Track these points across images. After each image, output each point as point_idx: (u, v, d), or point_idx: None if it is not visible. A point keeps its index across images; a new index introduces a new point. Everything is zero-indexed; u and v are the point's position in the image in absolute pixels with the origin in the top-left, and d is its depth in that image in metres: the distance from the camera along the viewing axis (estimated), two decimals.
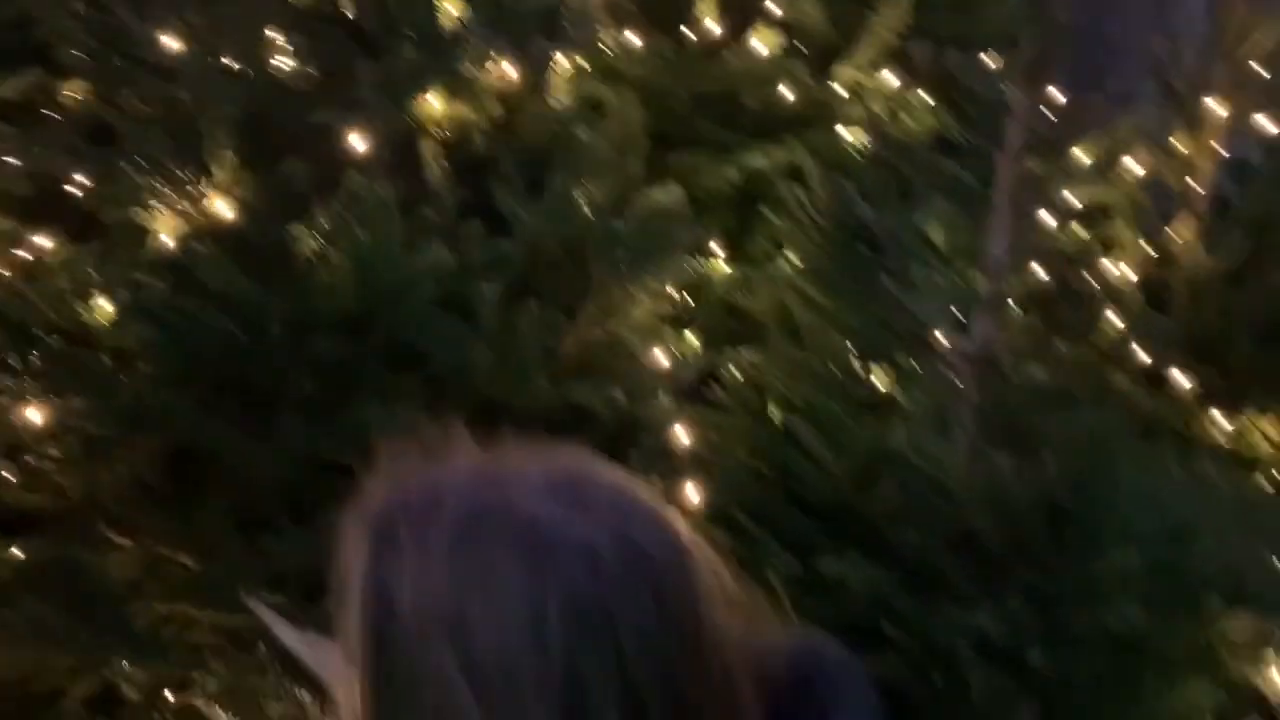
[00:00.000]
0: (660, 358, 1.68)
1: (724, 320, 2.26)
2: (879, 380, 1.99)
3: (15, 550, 1.61)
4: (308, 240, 1.38)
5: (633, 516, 0.64)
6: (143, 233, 1.48)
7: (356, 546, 0.70)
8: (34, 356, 1.47)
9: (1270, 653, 1.72)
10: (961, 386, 1.80)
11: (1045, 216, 2.04)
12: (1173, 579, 1.68)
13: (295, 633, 0.91)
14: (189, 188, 1.42)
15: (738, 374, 2.02)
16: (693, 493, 1.65)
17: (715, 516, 1.79)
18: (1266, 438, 2.61)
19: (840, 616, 1.66)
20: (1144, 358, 2.28)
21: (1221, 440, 2.39)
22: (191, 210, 1.44)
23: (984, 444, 1.69)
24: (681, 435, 1.67)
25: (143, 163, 1.41)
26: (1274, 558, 1.97)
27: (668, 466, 1.54)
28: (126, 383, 1.46)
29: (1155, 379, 2.36)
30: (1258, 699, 1.73)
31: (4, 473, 1.52)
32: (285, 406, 1.48)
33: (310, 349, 1.42)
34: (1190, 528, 1.78)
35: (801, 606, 1.71)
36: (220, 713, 1.46)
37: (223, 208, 1.43)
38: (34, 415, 1.48)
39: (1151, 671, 1.64)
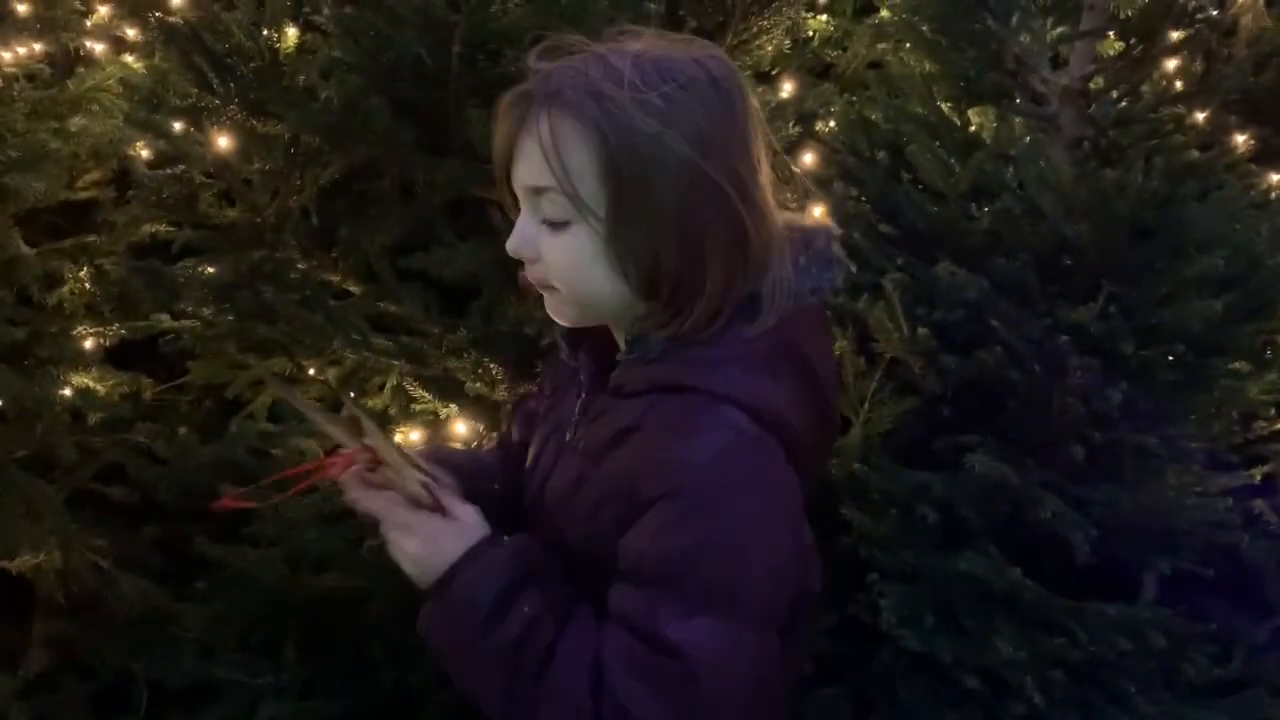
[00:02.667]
0: (787, 88, 1.82)
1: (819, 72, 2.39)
2: (977, 121, 2.13)
3: (210, 268, 1.80)
4: None
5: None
6: None
7: (560, 118, 0.95)
8: (232, 83, 1.61)
9: None
10: (1058, 116, 1.95)
11: None
12: (1246, 286, 1.87)
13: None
14: None
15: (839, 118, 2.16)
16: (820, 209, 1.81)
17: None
18: None
19: (950, 315, 1.86)
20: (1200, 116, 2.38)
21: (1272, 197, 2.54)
22: None
23: (1084, 162, 1.85)
24: (806, 160, 1.83)
25: None
26: None
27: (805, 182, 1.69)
28: (321, 101, 1.61)
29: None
30: None
31: (208, 192, 1.69)
32: (459, 126, 1.64)
33: (486, 70, 1.57)
34: (1260, 247, 1.96)
35: (914, 312, 1.91)
36: (424, 392, 1.67)
37: None
38: (234, 136, 1.64)
39: (1225, 365, 1.85)
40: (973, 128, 2.15)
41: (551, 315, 1.05)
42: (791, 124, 1.82)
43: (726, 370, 0.97)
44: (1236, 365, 1.87)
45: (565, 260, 0.99)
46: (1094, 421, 1.81)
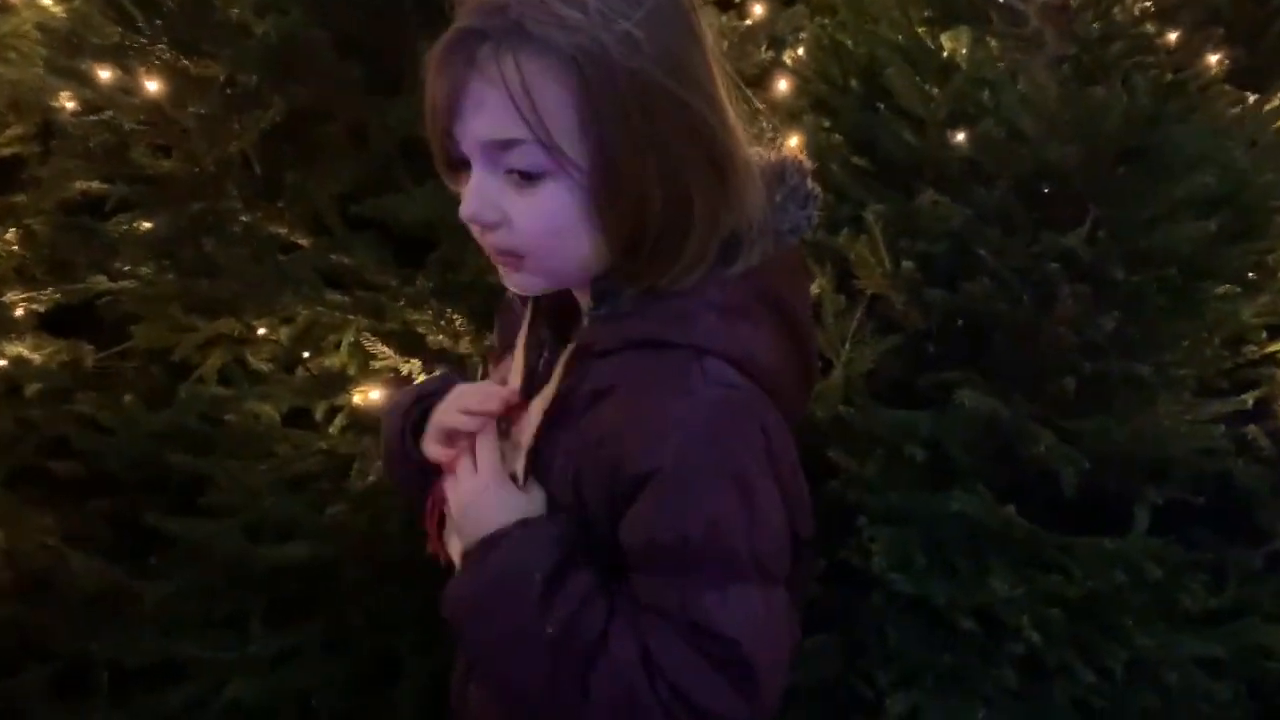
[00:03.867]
0: (757, 10, 1.72)
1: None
2: (950, 46, 2.04)
3: (147, 223, 1.68)
4: None
5: None
6: None
7: (529, 57, 0.83)
8: (159, 20, 1.48)
9: None
10: (1041, 34, 1.87)
11: None
12: (1235, 205, 1.81)
13: None
14: None
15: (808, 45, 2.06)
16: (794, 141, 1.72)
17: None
18: None
19: (934, 247, 1.79)
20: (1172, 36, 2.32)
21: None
22: None
23: (1067, 82, 1.77)
24: (780, 86, 1.73)
25: None
26: None
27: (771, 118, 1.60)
28: (257, 37, 1.49)
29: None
30: None
31: (141, 141, 1.57)
32: (411, 61, 1.52)
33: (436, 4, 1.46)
34: (1250, 165, 1.90)
35: (895, 245, 1.83)
36: (383, 348, 1.58)
37: None
38: (165, 80, 1.51)
39: (1215, 288, 1.80)
40: (945, 52, 2.06)
41: (513, 288, 0.94)
42: (764, 48, 1.72)
43: (705, 320, 0.89)
44: (1227, 288, 1.82)
45: (541, 222, 0.87)
46: (1084, 351, 1.76)
